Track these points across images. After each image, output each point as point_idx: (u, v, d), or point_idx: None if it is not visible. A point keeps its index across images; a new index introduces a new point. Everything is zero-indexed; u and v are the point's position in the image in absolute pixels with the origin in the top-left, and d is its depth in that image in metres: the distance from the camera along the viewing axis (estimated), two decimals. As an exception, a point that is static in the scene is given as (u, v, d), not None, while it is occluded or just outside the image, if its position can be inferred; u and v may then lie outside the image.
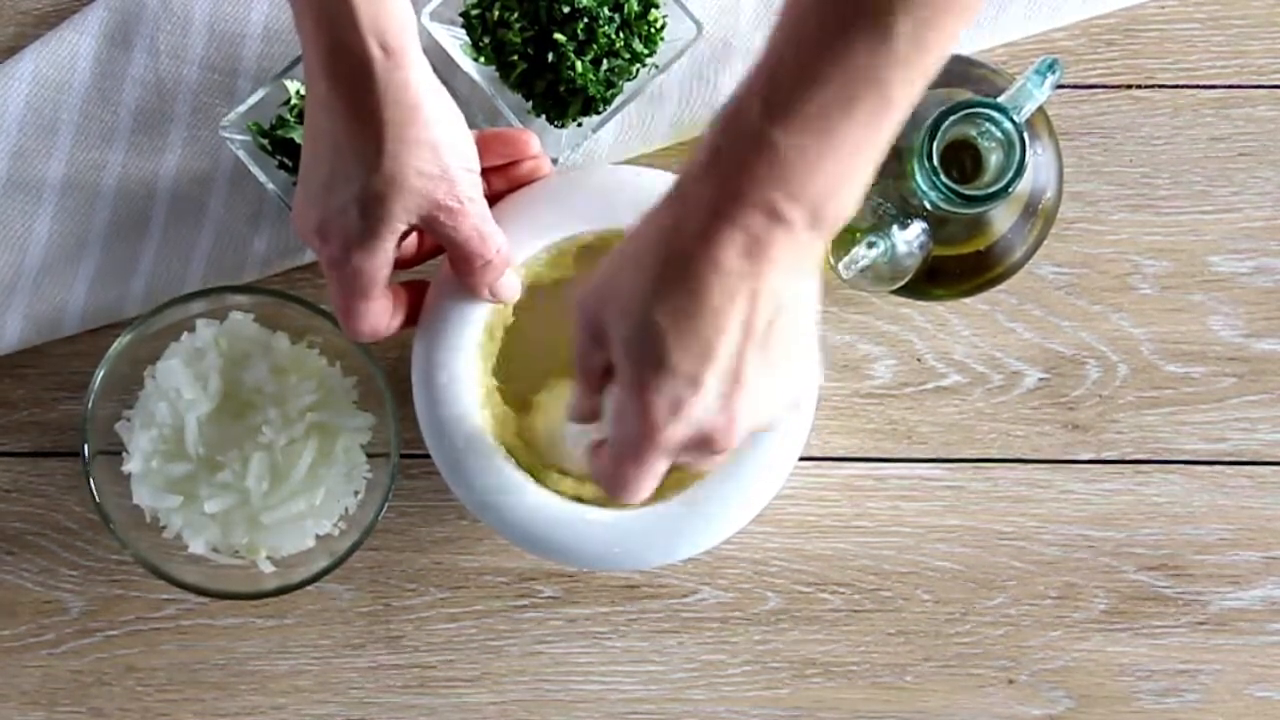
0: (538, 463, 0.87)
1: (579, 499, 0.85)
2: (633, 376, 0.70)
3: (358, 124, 0.74)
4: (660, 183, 0.76)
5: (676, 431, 0.70)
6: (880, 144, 0.67)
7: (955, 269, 0.91)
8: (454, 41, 0.92)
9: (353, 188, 0.75)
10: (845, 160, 0.66)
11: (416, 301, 0.85)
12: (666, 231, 0.68)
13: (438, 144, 0.76)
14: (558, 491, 0.85)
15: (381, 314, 0.81)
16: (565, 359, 0.88)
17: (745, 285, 0.67)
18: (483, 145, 0.82)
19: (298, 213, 0.78)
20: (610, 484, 0.74)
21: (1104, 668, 0.96)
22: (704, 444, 0.71)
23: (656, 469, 0.73)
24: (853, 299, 0.96)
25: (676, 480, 0.85)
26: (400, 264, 0.82)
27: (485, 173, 0.83)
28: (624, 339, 0.70)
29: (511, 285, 0.83)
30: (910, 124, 0.89)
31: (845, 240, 0.87)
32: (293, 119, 0.91)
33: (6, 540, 0.96)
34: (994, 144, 0.86)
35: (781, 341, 0.70)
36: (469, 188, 0.78)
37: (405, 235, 0.78)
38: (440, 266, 0.85)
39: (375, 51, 0.72)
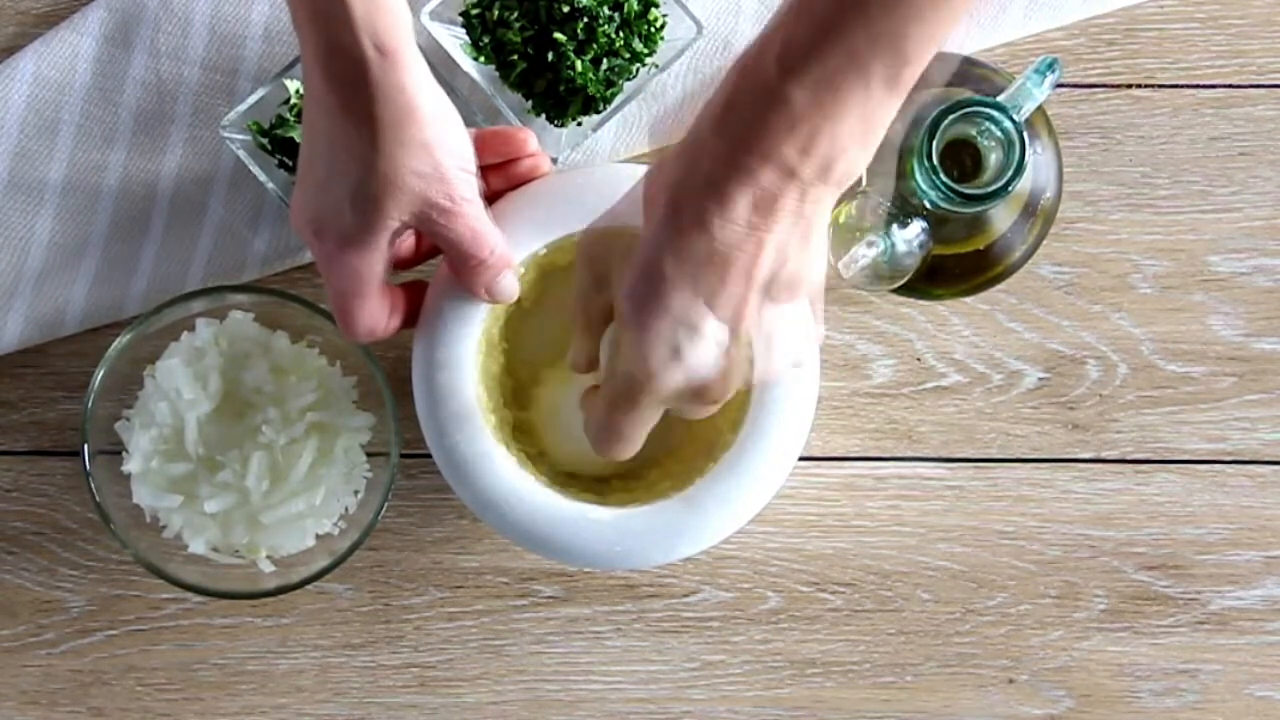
0: (539, 453, 0.87)
1: (575, 484, 0.86)
2: (633, 319, 0.70)
3: (353, 123, 0.74)
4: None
5: (672, 377, 0.71)
6: (894, 102, 0.67)
7: (955, 268, 0.91)
8: (454, 41, 0.92)
9: (348, 186, 0.76)
10: (859, 118, 0.66)
11: (415, 302, 0.85)
12: (677, 181, 0.69)
13: (433, 144, 0.76)
14: (558, 488, 0.85)
15: (378, 314, 0.81)
16: (565, 353, 0.88)
17: (752, 236, 0.68)
18: (481, 143, 0.82)
19: (294, 209, 0.79)
20: (600, 432, 0.75)
21: (1104, 667, 0.96)
22: (698, 394, 0.72)
23: (648, 417, 0.74)
24: (853, 299, 0.96)
25: (677, 480, 0.86)
26: (399, 264, 0.82)
27: (484, 171, 0.83)
28: (629, 284, 0.70)
29: (509, 285, 0.83)
30: (910, 123, 0.89)
31: (845, 240, 0.87)
32: (293, 118, 0.91)
33: (6, 540, 0.96)
34: (993, 143, 0.86)
35: (784, 294, 0.70)
36: (465, 188, 0.78)
37: (400, 235, 0.79)
38: (439, 266, 0.85)
39: (370, 52, 0.73)
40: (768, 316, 0.71)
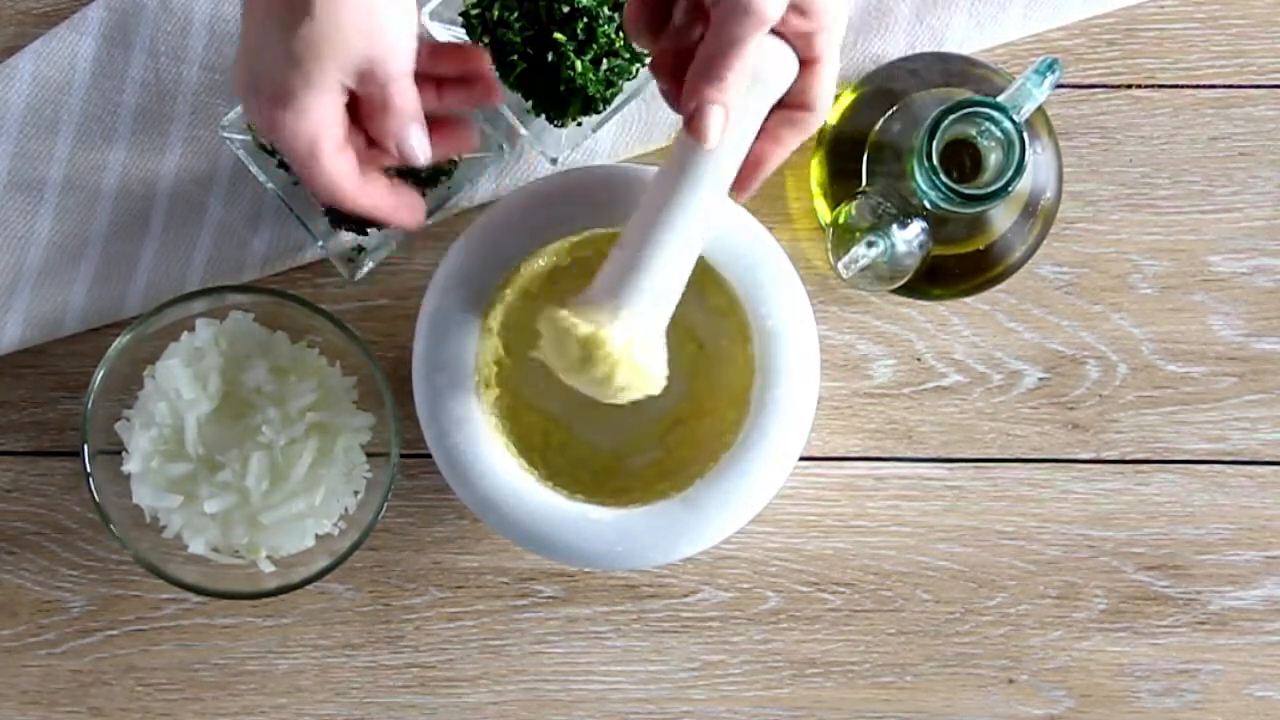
0: (542, 452, 0.87)
1: (575, 485, 0.86)
2: None
3: None
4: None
5: None
6: None
7: (955, 268, 0.91)
8: (454, 41, 0.92)
9: (286, 41, 0.73)
10: None
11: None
12: None
13: (379, 3, 0.74)
14: (558, 488, 0.85)
15: (337, 176, 0.78)
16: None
17: None
18: (436, 54, 0.81)
19: (234, 73, 0.77)
20: (705, 74, 0.74)
21: (1104, 667, 0.96)
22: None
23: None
24: (853, 299, 0.96)
25: (677, 480, 0.86)
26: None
27: (440, 83, 0.82)
28: None
29: (420, 142, 0.79)
30: (910, 123, 0.89)
31: (845, 240, 0.87)
32: (293, 119, 0.91)
33: (6, 540, 0.96)
34: (993, 143, 0.86)
35: None
36: (407, 53, 0.76)
37: (343, 99, 0.76)
38: (437, 270, 0.85)
39: None
40: None
